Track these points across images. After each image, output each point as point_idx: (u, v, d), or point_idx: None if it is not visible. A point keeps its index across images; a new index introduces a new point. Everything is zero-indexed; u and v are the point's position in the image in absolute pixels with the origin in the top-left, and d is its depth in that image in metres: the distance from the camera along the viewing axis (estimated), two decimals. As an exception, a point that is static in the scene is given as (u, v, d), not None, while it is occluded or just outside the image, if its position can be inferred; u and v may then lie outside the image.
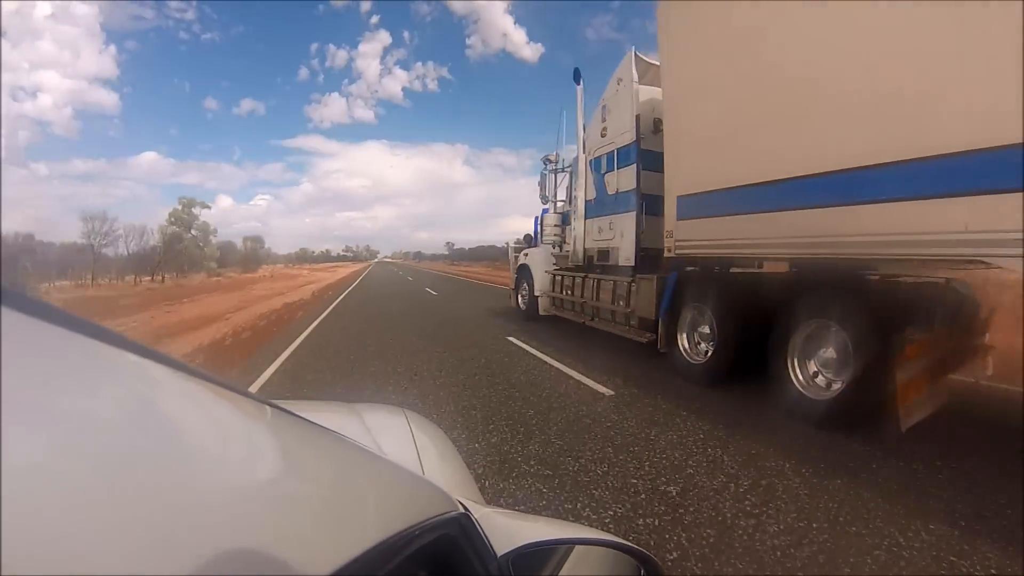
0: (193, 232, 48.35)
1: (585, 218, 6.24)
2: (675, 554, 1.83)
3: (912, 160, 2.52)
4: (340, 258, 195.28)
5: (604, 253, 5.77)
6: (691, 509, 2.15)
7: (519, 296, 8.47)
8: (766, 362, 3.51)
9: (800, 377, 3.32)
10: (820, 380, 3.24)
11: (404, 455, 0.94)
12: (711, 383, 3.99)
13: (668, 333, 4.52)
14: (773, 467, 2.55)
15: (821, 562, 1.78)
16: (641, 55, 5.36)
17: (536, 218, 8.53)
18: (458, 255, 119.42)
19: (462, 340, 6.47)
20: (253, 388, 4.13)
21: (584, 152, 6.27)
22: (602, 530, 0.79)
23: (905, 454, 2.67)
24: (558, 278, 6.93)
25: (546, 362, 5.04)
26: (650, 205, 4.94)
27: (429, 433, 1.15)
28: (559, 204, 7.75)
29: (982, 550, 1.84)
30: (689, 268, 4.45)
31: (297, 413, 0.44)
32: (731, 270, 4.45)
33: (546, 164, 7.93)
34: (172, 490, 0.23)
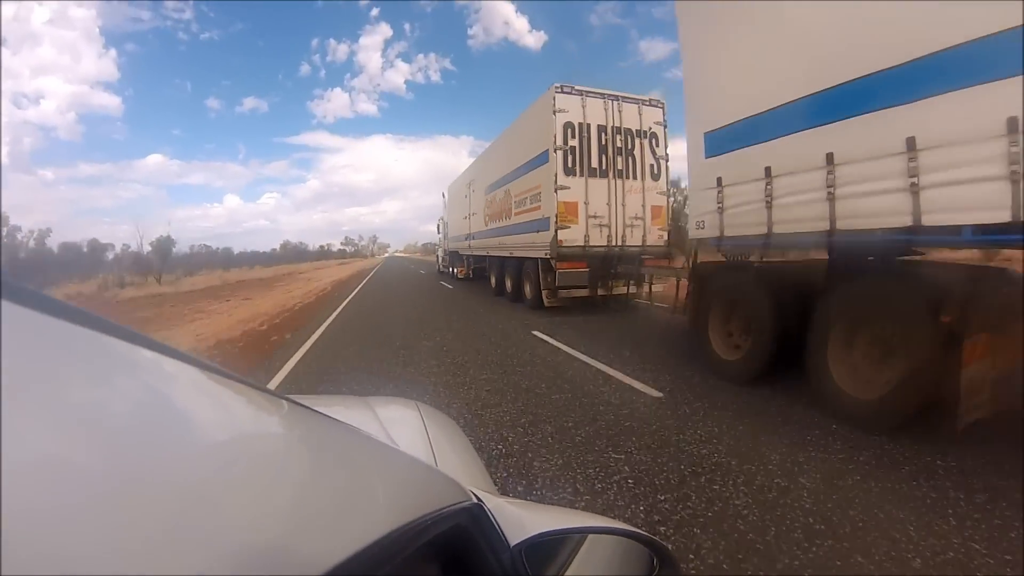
0: None
1: (444, 239, 21.26)
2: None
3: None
4: (325, 254, 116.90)
5: (446, 250, 20.89)
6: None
7: (438, 266, 23.82)
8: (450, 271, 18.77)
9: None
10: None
11: (417, 447, 0.95)
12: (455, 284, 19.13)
13: (449, 269, 19.79)
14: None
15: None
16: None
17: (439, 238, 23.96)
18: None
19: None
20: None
21: (444, 217, 21.39)
22: (614, 518, 0.84)
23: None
24: (443, 258, 21.95)
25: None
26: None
27: (442, 425, 1.17)
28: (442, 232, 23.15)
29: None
30: (452, 251, 19.41)
31: (311, 407, 0.46)
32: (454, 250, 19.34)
33: (439, 220, 23.10)
34: (185, 483, 0.24)
